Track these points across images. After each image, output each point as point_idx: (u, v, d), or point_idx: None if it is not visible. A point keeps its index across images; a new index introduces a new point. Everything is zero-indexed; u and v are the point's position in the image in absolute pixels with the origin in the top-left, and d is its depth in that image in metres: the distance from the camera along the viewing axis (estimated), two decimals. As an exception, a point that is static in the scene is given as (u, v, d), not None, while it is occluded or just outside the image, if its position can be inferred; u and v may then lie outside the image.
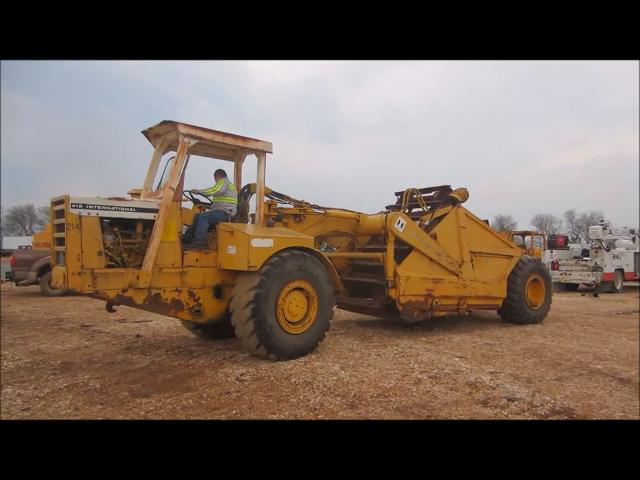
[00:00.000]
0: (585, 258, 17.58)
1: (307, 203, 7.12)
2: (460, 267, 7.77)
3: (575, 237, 59.45)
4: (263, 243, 5.56)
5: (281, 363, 5.39)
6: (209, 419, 3.75)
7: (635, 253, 18.15)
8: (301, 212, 7.04)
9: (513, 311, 8.57)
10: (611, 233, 18.14)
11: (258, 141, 6.18)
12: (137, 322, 8.41)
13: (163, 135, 6.12)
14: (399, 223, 7.10)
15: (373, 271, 7.59)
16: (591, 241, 18.71)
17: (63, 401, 4.14)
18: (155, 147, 6.26)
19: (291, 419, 3.74)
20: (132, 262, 5.30)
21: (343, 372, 5.04)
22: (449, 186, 8.35)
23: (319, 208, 7.28)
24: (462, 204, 8.12)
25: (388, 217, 7.08)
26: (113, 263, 5.13)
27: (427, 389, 4.48)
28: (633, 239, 18.64)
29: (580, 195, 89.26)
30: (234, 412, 3.89)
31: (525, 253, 9.86)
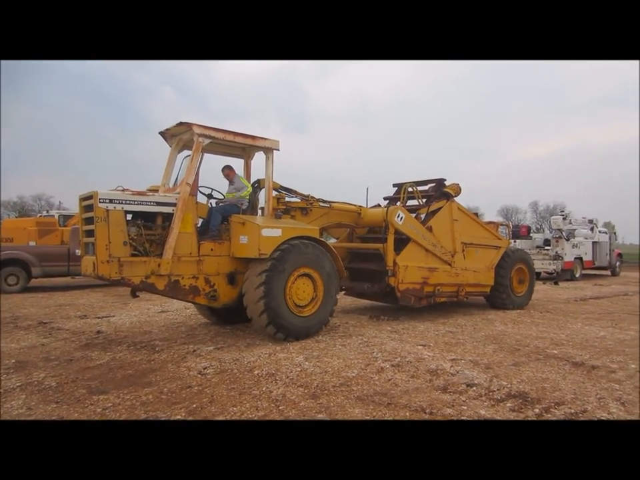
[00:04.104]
0: (546, 247, 18.14)
1: (312, 197, 7.52)
2: (453, 256, 8.36)
3: (539, 227, 61.29)
4: (272, 232, 6.05)
5: (244, 355, 5.35)
6: (169, 413, 3.69)
7: (593, 242, 18.89)
8: (308, 205, 7.45)
9: (500, 298, 9.18)
10: (570, 223, 18.78)
11: (266, 139, 6.66)
12: (99, 318, 8.17)
13: (179, 135, 6.55)
14: (398, 216, 7.59)
15: (371, 259, 7.99)
16: (552, 231, 19.33)
17: (15, 400, 3.98)
18: (170, 147, 6.72)
19: (251, 410, 3.72)
20: (153, 251, 5.77)
21: (307, 363, 5.04)
22: (444, 179, 8.84)
23: (324, 202, 7.72)
24: (455, 198, 8.61)
25: (389, 211, 7.58)
26: (136, 252, 5.61)
27: (388, 377, 4.53)
28: (592, 229, 19.36)
29: (544, 186, 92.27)
30: (194, 406, 3.84)
31: None
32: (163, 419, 3.59)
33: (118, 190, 5.72)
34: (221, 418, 3.59)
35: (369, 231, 8.81)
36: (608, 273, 20.61)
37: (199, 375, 4.70)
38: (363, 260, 8.31)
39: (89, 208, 5.49)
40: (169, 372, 4.84)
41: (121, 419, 3.60)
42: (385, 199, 9.44)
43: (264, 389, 4.24)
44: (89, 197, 5.47)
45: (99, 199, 5.30)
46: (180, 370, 4.90)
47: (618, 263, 20.99)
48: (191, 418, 3.60)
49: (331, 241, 8.94)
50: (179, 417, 3.61)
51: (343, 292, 8.68)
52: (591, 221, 19.64)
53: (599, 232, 19.71)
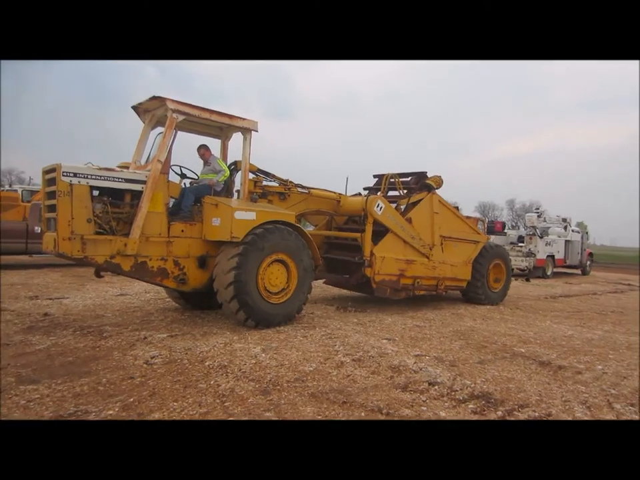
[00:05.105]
0: (520, 244, 18.20)
1: (291, 182, 7.36)
2: (431, 249, 8.27)
3: (515, 224, 62.13)
4: (246, 215, 5.86)
5: (198, 345, 5.02)
6: (101, 407, 3.34)
7: (565, 241, 19.01)
8: (286, 190, 7.28)
9: (476, 292, 9.10)
10: (545, 221, 18.89)
11: (244, 119, 6.42)
12: (51, 299, 7.69)
13: (152, 111, 6.29)
14: (378, 206, 7.43)
15: (348, 249, 7.85)
16: (527, 228, 19.40)
17: None
18: (144, 122, 6.43)
19: (193, 406, 3.40)
20: (120, 230, 5.53)
21: (263, 354, 4.74)
22: (426, 172, 8.68)
23: (303, 187, 7.55)
24: (436, 191, 8.47)
25: (368, 200, 7.39)
26: (101, 231, 5.38)
27: (347, 373, 4.27)
28: (565, 228, 19.51)
29: (522, 185, 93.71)
30: (131, 400, 3.49)
31: None
32: (94, 413, 3.25)
33: (105, 168, 5.44)
34: (157, 414, 3.26)
35: (347, 220, 8.69)
36: (578, 272, 20.86)
37: (145, 365, 4.35)
38: (339, 251, 8.14)
39: (52, 182, 5.18)
40: (113, 360, 4.48)
41: (47, 412, 3.24)
42: (364, 189, 9.28)
43: (212, 382, 3.93)
44: (52, 170, 5.15)
45: (62, 172, 5.03)
46: (125, 359, 4.54)
47: (589, 263, 21.25)
48: (124, 414, 3.27)
49: (309, 229, 8.73)
50: (111, 412, 3.27)
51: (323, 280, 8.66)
52: (564, 220, 19.79)
53: (572, 231, 19.88)
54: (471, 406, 3.62)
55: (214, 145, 7.15)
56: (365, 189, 9.27)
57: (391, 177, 8.72)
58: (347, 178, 8.84)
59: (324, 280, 8.72)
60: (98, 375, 4.06)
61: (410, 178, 8.92)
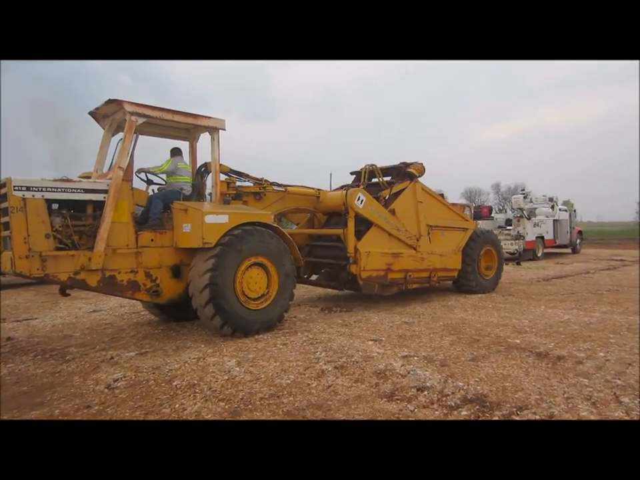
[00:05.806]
0: (508, 227, 17.92)
1: (266, 181, 6.99)
2: (418, 240, 7.92)
3: (502, 207, 62.08)
4: (218, 219, 5.53)
5: (168, 362, 4.62)
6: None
7: (553, 221, 18.77)
8: (261, 190, 6.92)
9: (467, 281, 8.76)
10: (531, 202, 18.61)
11: (209, 117, 6.11)
12: (18, 321, 7.22)
13: (111, 116, 5.97)
14: (358, 199, 7.09)
15: (332, 247, 7.55)
16: (514, 211, 19.14)
17: None
18: (103, 129, 6.14)
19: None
20: (84, 244, 5.21)
21: (237, 368, 4.35)
22: (406, 164, 8.32)
23: (279, 185, 7.19)
24: (419, 179, 8.13)
25: (348, 194, 7.04)
26: (62, 246, 5.04)
27: (328, 383, 3.88)
28: (552, 207, 19.27)
29: (505, 167, 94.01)
30: (82, 435, 3.09)
31: None
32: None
33: (61, 179, 5.11)
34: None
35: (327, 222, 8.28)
36: (569, 251, 20.67)
37: (106, 390, 3.95)
38: (323, 250, 7.82)
39: (4, 197, 4.87)
40: (72, 387, 4.08)
41: None
42: (351, 173, 8.98)
43: (177, 405, 3.53)
44: (2, 185, 4.87)
45: (14, 187, 4.72)
46: (86, 384, 4.13)
47: (578, 241, 21.08)
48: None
49: (291, 227, 8.40)
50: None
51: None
52: (551, 199, 19.52)
53: (559, 210, 19.65)
54: (464, 412, 3.25)
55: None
56: (351, 173, 8.95)
57: (371, 167, 8.31)
58: (331, 174, 8.54)
59: (310, 280, 8.32)
60: (51, 405, 3.65)
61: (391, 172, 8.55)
